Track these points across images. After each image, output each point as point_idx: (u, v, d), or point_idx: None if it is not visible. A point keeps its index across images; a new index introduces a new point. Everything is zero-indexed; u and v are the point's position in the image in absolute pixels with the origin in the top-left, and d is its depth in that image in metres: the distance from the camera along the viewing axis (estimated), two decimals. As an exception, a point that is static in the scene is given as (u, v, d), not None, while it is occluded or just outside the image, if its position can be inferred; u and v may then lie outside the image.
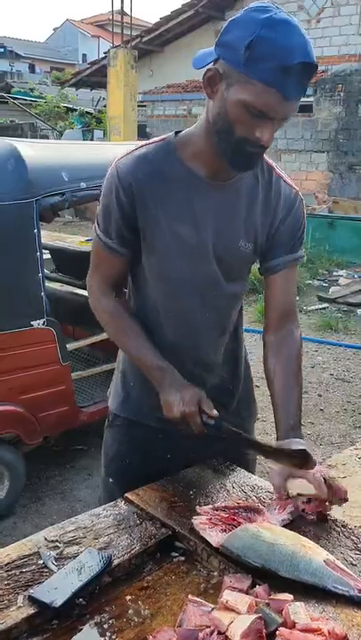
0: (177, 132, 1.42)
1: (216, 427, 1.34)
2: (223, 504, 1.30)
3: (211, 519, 1.24)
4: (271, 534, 1.16)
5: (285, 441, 1.38)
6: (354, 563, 1.18)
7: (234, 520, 1.24)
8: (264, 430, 4.07)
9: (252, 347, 5.79)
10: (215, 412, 1.34)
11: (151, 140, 1.44)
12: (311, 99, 11.95)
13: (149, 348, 1.43)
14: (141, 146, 1.42)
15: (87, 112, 17.13)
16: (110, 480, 1.62)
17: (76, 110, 17.16)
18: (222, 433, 1.36)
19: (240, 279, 1.52)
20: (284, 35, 1.14)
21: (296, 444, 1.33)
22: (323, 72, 11.91)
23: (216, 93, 1.24)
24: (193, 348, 1.49)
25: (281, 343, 1.52)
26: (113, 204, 1.39)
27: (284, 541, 1.14)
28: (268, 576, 1.09)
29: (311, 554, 1.12)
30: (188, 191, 1.37)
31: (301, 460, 1.30)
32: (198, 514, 1.27)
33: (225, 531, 1.21)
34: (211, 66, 1.24)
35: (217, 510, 1.27)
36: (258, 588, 1.05)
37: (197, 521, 1.24)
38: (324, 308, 7.23)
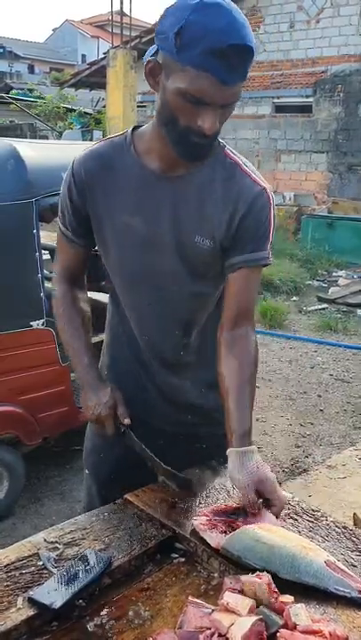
0: (135, 127, 1.43)
1: (124, 433, 1.38)
2: (223, 506, 1.30)
3: (210, 520, 1.24)
4: (271, 536, 1.15)
5: (238, 450, 1.29)
6: (355, 564, 1.18)
7: (234, 522, 1.24)
8: (263, 431, 4.08)
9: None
10: (127, 420, 1.38)
11: (111, 136, 1.47)
12: (311, 99, 11.95)
13: (81, 342, 1.47)
14: (100, 141, 1.46)
15: (86, 112, 17.12)
16: (87, 472, 1.66)
17: (75, 111, 17.15)
18: (126, 441, 1.40)
19: (208, 279, 1.44)
20: (214, 17, 1.10)
21: (248, 459, 1.27)
22: (322, 72, 11.90)
23: (158, 84, 1.23)
24: (149, 342, 1.50)
25: (234, 343, 1.41)
26: (66, 197, 1.45)
27: (285, 543, 1.13)
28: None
29: (312, 555, 1.11)
30: (139, 184, 1.37)
31: (183, 487, 1.37)
32: (198, 515, 1.27)
33: (225, 532, 1.20)
34: (150, 57, 1.22)
35: (217, 514, 1.26)
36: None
37: (197, 522, 1.24)
38: (323, 309, 7.24)
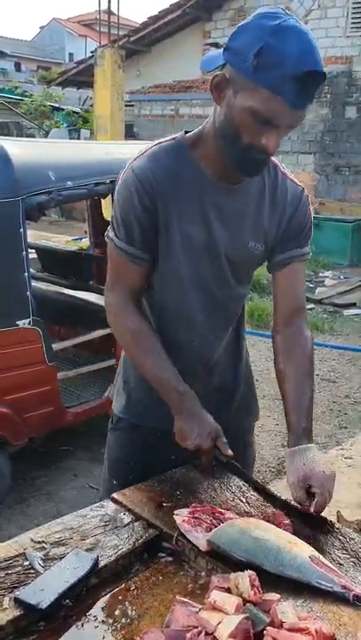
0: (186, 132, 1.42)
1: (227, 465, 1.37)
2: (209, 507, 1.29)
3: (193, 514, 1.24)
4: (258, 530, 1.16)
5: (294, 449, 1.36)
6: (341, 562, 1.18)
7: (221, 514, 1.25)
8: (262, 428, 4.09)
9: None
10: (230, 452, 1.35)
11: (161, 140, 1.43)
12: (298, 100, 12.00)
13: (171, 371, 1.41)
14: (152, 146, 1.41)
15: (74, 111, 17.06)
16: (114, 482, 1.60)
17: (63, 110, 17.09)
18: (231, 472, 1.40)
19: (246, 281, 1.54)
20: (292, 43, 1.13)
21: (302, 456, 1.33)
22: (309, 74, 11.96)
23: (223, 99, 1.24)
24: (198, 347, 1.50)
25: (292, 342, 1.49)
26: (137, 209, 1.36)
27: (270, 537, 1.15)
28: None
29: (296, 550, 1.13)
30: (199, 192, 1.38)
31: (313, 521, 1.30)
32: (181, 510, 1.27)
33: (210, 529, 1.21)
34: (218, 72, 1.23)
35: (195, 516, 1.26)
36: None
37: (180, 518, 1.24)
38: (310, 309, 7.26)
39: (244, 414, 1.68)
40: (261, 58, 1.13)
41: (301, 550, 1.13)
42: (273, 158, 1.43)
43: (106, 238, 1.45)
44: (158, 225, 1.38)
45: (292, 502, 1.34)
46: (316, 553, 1.14)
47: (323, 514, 1.32)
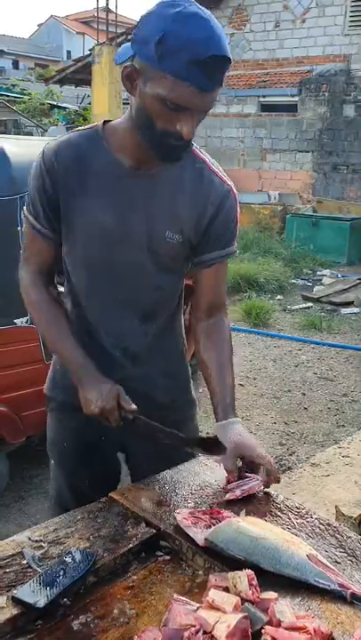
0: (105, 122, 1.44)
1: (134, 421, 1.39)
2: (200, 509, 1.30)
3: (193, 513, 1.25)
4: (255, 528, 1.17)
5: (221, 423, 1.44)
6: (338, 560, 1.18)
7: (219, 513, 1.25)
8: (248, 429, 4.09)
9: (238, 345, 5.83)
10: (133, 407, 1.38)
11: (80, 128, 1.46)
12: (296, 98, 12.00)
13: (71, 343, 1.46)
14: (71, 132, 1.45)
15: (73, 110, 17.04)
16: (52, 462, 1.68)
17: (62, 108, 17.06)
18: (139, 427, 1.41)
19: (172, 272, 1.51)
20: (194, 28, 1.14)
21: (230, 429, 1.41)
22: (308, 72, 11.96)
23: (135, 89, 1.26)
24: (112, 332, 1.51)
25: (212, 329, 1.55)
26: (40, 190, 1.41)
27: (268, 535, 1.15)
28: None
29: (294, 548, 1.13)
30: (111, 179, 1.39)
31: (213, 447, 1.38)
32: (181, 508, 1.27)
33: (209, 526, 1.21)
34: (128, 62, 1.25)
35: (195, 515, 1.27)
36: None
37: (180, 516, 1.24)
38: (308, 308, 7.28)
39: (176, 406, 1.64)
40: (164, 45, 1.14)
41: (299, 549, 1.13)
42: (202, 154, 1.44)
43: (22, 212, 1.51)
44: (60, 210, 1.41)
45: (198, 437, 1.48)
46: (313, 551, 1.14)
47: (320, 512, 1.32)
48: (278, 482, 1.40)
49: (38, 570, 1.10)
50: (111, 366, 1.50)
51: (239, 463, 1.40)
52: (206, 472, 1.48)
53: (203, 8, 1.18)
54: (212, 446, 1.39)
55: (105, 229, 1.40)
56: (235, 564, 1.11)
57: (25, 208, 1.48)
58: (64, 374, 1.56)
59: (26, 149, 3.25)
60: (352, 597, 1.07)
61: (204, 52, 1.14)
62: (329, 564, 1.13)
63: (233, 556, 1.13)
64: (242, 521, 1.20)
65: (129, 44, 1.27)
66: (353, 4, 11.42)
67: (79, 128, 1.46)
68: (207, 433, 3.21)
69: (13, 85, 19.61)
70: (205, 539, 1.17)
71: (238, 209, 1.50)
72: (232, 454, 1.37)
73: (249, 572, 1.04)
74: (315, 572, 1.10)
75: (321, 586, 1.08)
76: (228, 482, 1.38)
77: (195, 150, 1.43)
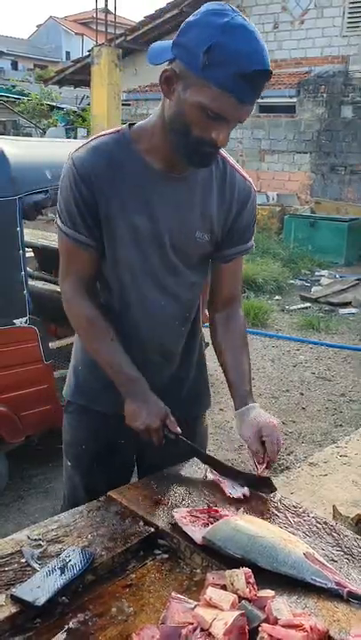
0: (130, 125, 1.44)
1: (177, 442, 1.42)
2: (198, 508, 1.31)
3: (191, 513, 1.26)
4: (253, 527, 1.18)
5: (240, 410, 1.48)
6: (335, 559, 1.19)
7: (217, 512, 1.26)
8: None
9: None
10: (178, 430, 1.41)
11: (105, 132, 1.45)
12: (294, 100, 12.00)
13: (122, 357, 1.45)
14: (96, 137, 1.44)
15: (72, 110, 17.03)
16: (69, 464, 1.68)
17: (61, 109, 17.06)
18: (180, 448, 1.44)
19: (200, 269, 1.54)
20: (241, 41, 1.16)
21: (250, 414, 1.46)
22: (306, 73, 11.97)
23: (173, 93, 1.26)
24: (153, 336, 1.52)
25: (228, 319, 1.60)
26: (77, 200, 1.39)
27: (265, 534, 1.16)
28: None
29: (291, 547, 1.14)
30: (144, 182, 1.39)
31: (262, 486, 1.42)
32: (179, 507, 1.28)
33: (207, 524, 1.22)
34: (167, 66, 1.25)
35: (193, 514, 1.28)
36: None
37: (178, 515, 1.25)
38: (306, 308, 7.28)
39: (192, 403, 1.68)
40: (211, 55, 1.15)
41: (296, 547, 1.15)
42: (222, 151, 1.45)
43: (55, 226, 1.50)
44: (100, 217, 1.40)
45: (248, 472, 1.47)
46: (310, 550, 1.15)
47: (317, 511, 1.33)
48: (269, 467, 1.43)
49: (37, 568, 1.11)
50: (150, 369, 1.50)
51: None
52: (204, 471, 1.49)
53: (247, 19, 1.20)
54: (262, 485, 1.42)
55: (140, 232, 1.41)
56: (232, 562, 1.12)
57: (59, 222, 1.45)
58: (87, 380, 1.59)
59: (25, 150, 3.26)
60: (349, 595, 1.08)
61: (249, 66, 1.15)
62: (326, 563, 1.14)
63: (230, 554, 1.14)
64: (240, 519, 1.21)
65: (164, 42, 1.28)
66: (351, 5, 11.43)
67: (103, 133, 1.44)
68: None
69: (13, 86, 19.59)
70: (203, 537, 1.18)
71: (256, 204, 1.55)
72: (256, 437, 1.42)
73: (246, 570, 1.05)
74: (311, 570, 1.11)
75: (318, 584, 1.09)
76: (258, 462, 1.43)
77: None
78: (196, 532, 1.20)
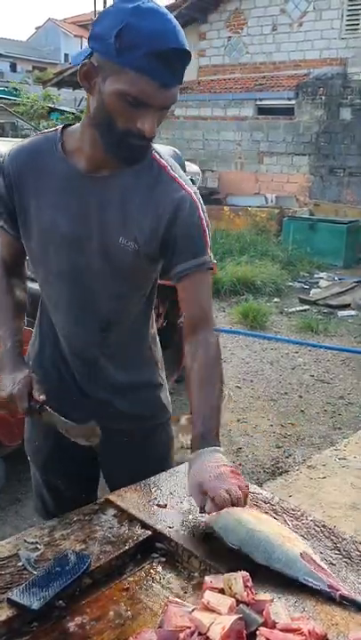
0: (66, 125, 1.44)
1: (40, 411, 1.40)
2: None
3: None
4: (254, 520, 1.17)
5: (190, 456, 1.31)
6: (333, 562, 1.19)
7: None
8: (244, 431, 4.10)
9: (235, 347, 5.84)
10: (42, 397, 1.38)
11: (44, 131, 1.47)
12: (293, 102, 12.03)
13: (7, 328, 1.51)
14: (38, 134, 1.46)
15: (71, 113, 17.03)
16: (28, 458, 1.71)
17: (59, 111, 17.05)
18: (44, 418, 1.42)
19: (130, 281, 1.45)
20: (152, 22, 1.14)
21: (194, 463, 1.27)
22: (305, 75, 11.99)
23: (94, 87, 1.23)
24: (69, 338, 1.51)
25: (196, 348, 1.41)
26: (0, 188, 1.44)
27: (264, 529, 1.15)
28: (245, 562, 1.09)
29: (289, 545, 1.13)
30: (65, 183, 1.38)
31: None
32: (178, 516, 1.27)
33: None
34: (86, 60, 1.23)
35: None
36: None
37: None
38: (304, 310, 7.29)
39: (145, 416, 1.60)
40: (123, 38, 1.13)
41: (294, 546, 1.14)
42: (164, 160, 1.40)
43: None
44: (15, 211, 1.44)
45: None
46: (309, 550, 1.15)
47: (316, 514, 1.32)
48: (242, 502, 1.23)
49: (34, 572, 1.10)
50: (69, 371, 1.52)
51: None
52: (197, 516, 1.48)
53: (158, 5, 1.18)
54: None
55: (59, 234, 1.39)
56: (230, 565, 1.11)
57: None
58: (36, 373, 1.52)
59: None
60: (341, 599, 1.07)
61: (163, 45, 1.13)
62: (323, 565, 1.13)
63: (227, 543, 1.14)
64: (244, 512, 1.19)
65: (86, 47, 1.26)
66: (350, 7, 11.46)
67: (45, 131, 1.47)
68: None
69: (15, 89, 19.58)
70: (205, 522, 1.20)
71: (202, 215, 1.40)
72: (197, 491, 1.23)
73: (244, 573, 1.04)
74: (305, 570, 1.10)
75: (311, 585, 1.09)
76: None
77: (155, 156, 1.39)
78: (205, 517, 1.22)
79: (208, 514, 1.21)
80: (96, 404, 1.53)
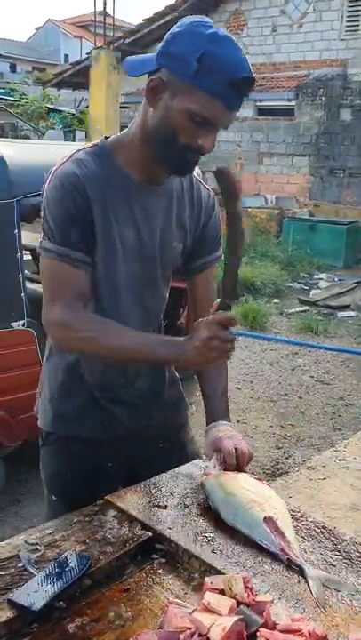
0: (106, 137, 1.43)
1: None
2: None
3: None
4: (232, 485, 1.32)
5: (207, 427, 1.53)
6: (333, 563, 1.19)
7: None
8: (244, 432, 4.09)
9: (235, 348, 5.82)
10: (236, 319, 1.29)
11: (83, 146, 1.42)
12: (293, 103, 12.03)
13: (133, 331, 1.36)
14: (74, 152, 1.38)
15: (70, 113, 17.04)
16: (54, 498, 1.58)
17: (59, 111, 17.07)
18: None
19: (168, 282, 1.58)
20: (228, 50, 1.21)
21: (212, 430, 1.50)
22: (305, 76, 12.00)
23: (158, 102, 1.27)
24: None
25: None
26: (70, 211, 1.32)
27: (238, 493, 1.29)
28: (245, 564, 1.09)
29: (257, 509, 1.25)
30: (127, 195, 1.39)
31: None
32: (179, 517, 1.28)
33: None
34: (153, 76, 1.26)
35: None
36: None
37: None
38: (304, 311, 7.29)
39: (170, 413, 1.67)
40: (203, 63, 1.19)
41: (262, 510, 1.24)
42: None
43: (39, 250, 1.38)
44: (95, 229, 1.34)
45: None
46: (276, 515, 1.24)
47: (316, 515, 1.33)
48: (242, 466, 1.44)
49: (34, 573, 1.10)
50: (122, 385, 1.52)
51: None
52: (202, 475, 1.49)
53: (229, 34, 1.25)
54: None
55: (128, 245, 1.40)
56: (229, 566, 1.11)
57: (47, 243, 1.35)
58: (65, 408, 1.53)
59: (23, 153, 3.26)
60: (288, 562, 1.16)
61: (238, 73, 1.21)
62: (285, 531, 1.21)
63: (210, 504, 1.32)
64: (235, 477, 1.36)
65: (140, 56, 1.30)
66: (350, 8, 11.47)
67: (78, 149, 1.39)
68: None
69: (12, 90, 19.59)
70: (201, 482, 1.38)
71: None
72: (211, 446, 1.47)
73: (245, 574, 1.04)
74: (263, 534, 1.20)
75: (265, 547, 1.19)
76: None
77: None
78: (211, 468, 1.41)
79: (208, 475, 1.39)
80: (137, 410, 1.57)
